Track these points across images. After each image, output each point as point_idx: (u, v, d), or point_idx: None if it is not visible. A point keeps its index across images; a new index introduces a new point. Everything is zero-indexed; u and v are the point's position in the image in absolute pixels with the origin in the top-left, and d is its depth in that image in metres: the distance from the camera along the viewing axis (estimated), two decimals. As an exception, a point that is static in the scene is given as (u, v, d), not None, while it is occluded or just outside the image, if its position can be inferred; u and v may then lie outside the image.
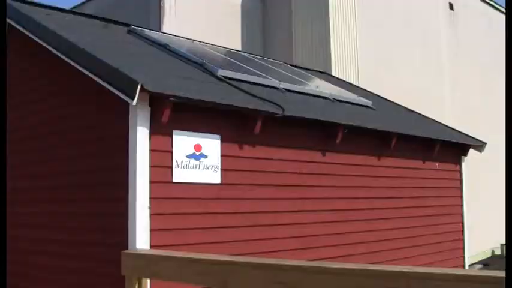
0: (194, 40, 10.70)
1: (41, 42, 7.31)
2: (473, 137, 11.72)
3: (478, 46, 22.22)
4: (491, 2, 23.67)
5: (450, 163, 10.98)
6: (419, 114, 12.45)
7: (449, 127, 12.26)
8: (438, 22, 20.23)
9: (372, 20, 17.04)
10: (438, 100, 19.29)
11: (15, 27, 8.08)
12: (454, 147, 11.01)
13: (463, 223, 11.20)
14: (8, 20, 8.29)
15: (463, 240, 11.17)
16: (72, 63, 6.60)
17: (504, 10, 24.13)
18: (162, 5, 14.62)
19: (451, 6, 21.04)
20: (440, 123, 12.36)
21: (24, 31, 7.75)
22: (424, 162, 10.18)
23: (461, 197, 11.22)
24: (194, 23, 15.30)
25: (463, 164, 11.28)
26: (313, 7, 16.06)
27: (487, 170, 18.64)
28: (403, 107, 12.75)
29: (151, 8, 14.95)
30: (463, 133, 11.90)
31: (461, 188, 11.23)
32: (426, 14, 19.63)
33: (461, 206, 11.21)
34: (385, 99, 13.04)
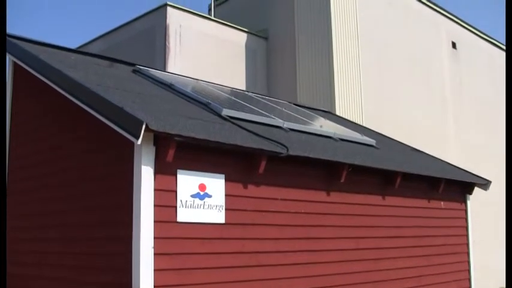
0: (199, 80, 10.76)
1: (46, 80, 7.37)
2: (478, 175, 11.68)
3: (480, 83, 22.36)
4: (493, 40, 23.87)
5: (455, 202, 10.92)
6: (424, 152, 12.43)
7: (453, 165, 12.22)
8: (441, 60, 20.36)
9: (376, 59, 17.15)
10: (442, 137, 19.31)
11: (21, 66, 8.15)
12: (458, 186, 10.96)
13: (469, 262, 11.09)
14: (13, 58, 8.38)
15: (469, 279, 11.05)
16: (77, 102, 6.63)
17: (504, 47, 24.33)
18: (167, 44, 14.75)
19: (453, 45, 21.21)
20: (444, 161, 12.33)
21: (30, 70, 7.81)
22: (429, 201, 10.13)
23: (467, 235, 11.14)
24: (199, 63, 15.42)
25: (468, 203, 11.22)
26: (317, 47, 16.18)
27: (491, 206, 18.54)
28: (407, 145, 12.74)
29: (156, 48, 15.08)
30: (467, 171, 11.86)
31: (467, 227, 11.15)
32: (429, 53, 19.77)
33: (467, 245, 11.12)
34: (389, 138, 13.04)
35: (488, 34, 23.63)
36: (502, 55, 24.16)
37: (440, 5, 20.76)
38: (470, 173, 11.81)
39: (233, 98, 9.65)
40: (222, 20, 17.00)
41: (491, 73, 23.21)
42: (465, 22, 22.19)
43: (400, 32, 18.50)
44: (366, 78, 16.54)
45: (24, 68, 8.02)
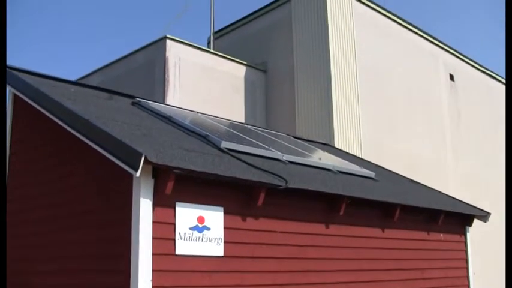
0: (198, 112, 10.80)
1: (45, 112, 7.39)
2: (477, 207, 11.65)
3: (478, 115, 22.47)
4: (490, 72, 24.04)
5: (455, 234, 10.88)
6: (422, 184, 12.42)
7: (452, 197, 12.20)
8: (439, 92, 20.47)
9: (374, 90, 17.24)
10: (441, 169, 19.32)
11: (21, 97, 8.18)
12: (458, 218, 10.93)
13: (469, 295, 11.03)
14: (13, 90, 8.41)
15: (470, 312, 10.97)
16: (76, 134, 6.64)
17: (501, 79, 24.50)
18: (166, 77, 14.82)
19: (451, 77, 21.35)
20: (443, 193, 12.31)
21: (30, 101, 7.84)
22: (428, 234, 10.09)
23: (467, 268, 11.07)
24: (198, 95, 15.49)
25: (468, 235, 11.18)
26: (316, 80, 16.26)
27: (491, 238, 18.48)
28: (406, 177, 12.74)
29: (156, 80, 15.16)
30: (466, 203, 11.84)
31: (466, 259, 11.09)
32: (427, 84, 19.89)
33: (468, 277, 11.05)
34: (388, 170, 13.04)
35: (486, 66, 23.83)
36: (499, 86, 24.31)
37: (438, 37, 20.97)
38: (469, 204, 11.79)
39: (232, 130, 9.67)
40: (221, 52, 17.12)
41: (489, 104, 23.34)
42: (462, 54, 22.37)
43: (398, 64, 18.63)
44: (365, 110, 16.60)
45: (24, 100, 8.05)
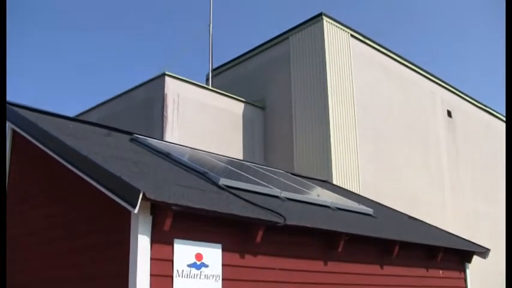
0: (196, 149, 10.81)
1: (44, 148, 7.40)
2: (476, 244, 11.60)
3: (477, 151, 22.51)
4: (488, 109, 24.15)
5: (454, 270, 10.81)
6: (421, 221, 12.39)
7: (451, 234, 12.16)
8: (437, 128, 20.53)
9: (372, 127, 17.30)
10: (440, 205, 19.29)
11: (19, 133, 8.20)
12: (457, 254, 10.88)
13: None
14: (12, 125, 8.43)
15: None
16: (74, 170, 6.65)
17: (499, 115, 24.59)
18: (165, 114, 14.87)
19: (449, 113, 21.44)
20: (442, 230, 12.28)
21: (28, 137, 7.86)
22: (427, 270, 10.03)
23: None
24: (196, 132, 15.52)
25: (467, 271, 11.11)
26: (314, 117, 16.33)
27: (491, 274, 18.35)
28: (405, 214, 12.71)
29: (154, 116, 15.20)
30: (466, 240, 11.79)
31: (466, 296, 11.01)
32: (425, 121, 19.97)
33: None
34: (387, 207, 13.02)
35: (484, 103, 23.94)
36: (498, 123, 24.40)
37: (435, 74, 21.12)
38: (468, 241, 11.74)
39: (230, 167, 9.67)
40: (219, 89, 17.21)
41: (487, 140, 23.40)
42: (460, 91, 22.50)
43: (396, 101, 18.73)
44: (363, 147, 16.64)
45: (23, 135, 8.07)
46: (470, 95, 23.12)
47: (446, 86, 21.73)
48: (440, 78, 21.38)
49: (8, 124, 8.72)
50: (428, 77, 20.78)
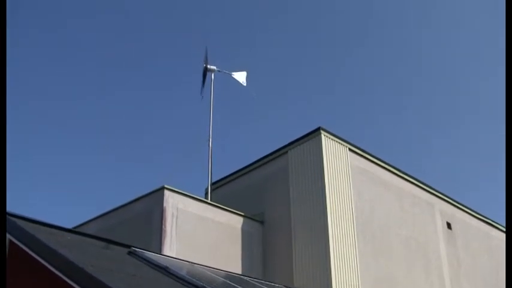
0: (194, 263, 10.69)
1: (40, 260, 7.33)
2: None
3: (478, 262, 22.30)
4: (488, 220, 24.09)
5: None
6: None
7: None
8: (437, 241, 20.39)
9: (372, 242, 17.18)
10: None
11: (16, 244, 8.13)
12: None
13: None
14: (9, 236, 8.37)
15: None
16: (71, 283, 6.56)
17: (499, 226, 24.53)
18: (163, 227, 14.80)
19: (448, 225, 21.38)
20: None
21: (25, 248, 7.79)
22: None
23: None
24: (195, 245, 15.39)
25: None
26: (313, 231, 16.23)
27: None
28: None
29: (153, 230, 15.11)
30: None
31: None
32: (425, 234, 19.87)
33: None
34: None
35: (482, 213, 23.90)
36: (498, 234, 24.28)
37: (433, 186, 21.21)
38: None
39: (229, 282, 9.54)
40: (218, 203, 17.20)
41: (488, 251, 23.20)
42: (458, 202, 22.53)
43: (396, 215, 18.69)
44: (363, 263, 16.44)
45: (20, 246, 7.99)
46: (469, 206, 23.13)
47: (445, 197, 21.76)
48: (439, 190, 21.48)
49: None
50: (426, 188, 20.86)
